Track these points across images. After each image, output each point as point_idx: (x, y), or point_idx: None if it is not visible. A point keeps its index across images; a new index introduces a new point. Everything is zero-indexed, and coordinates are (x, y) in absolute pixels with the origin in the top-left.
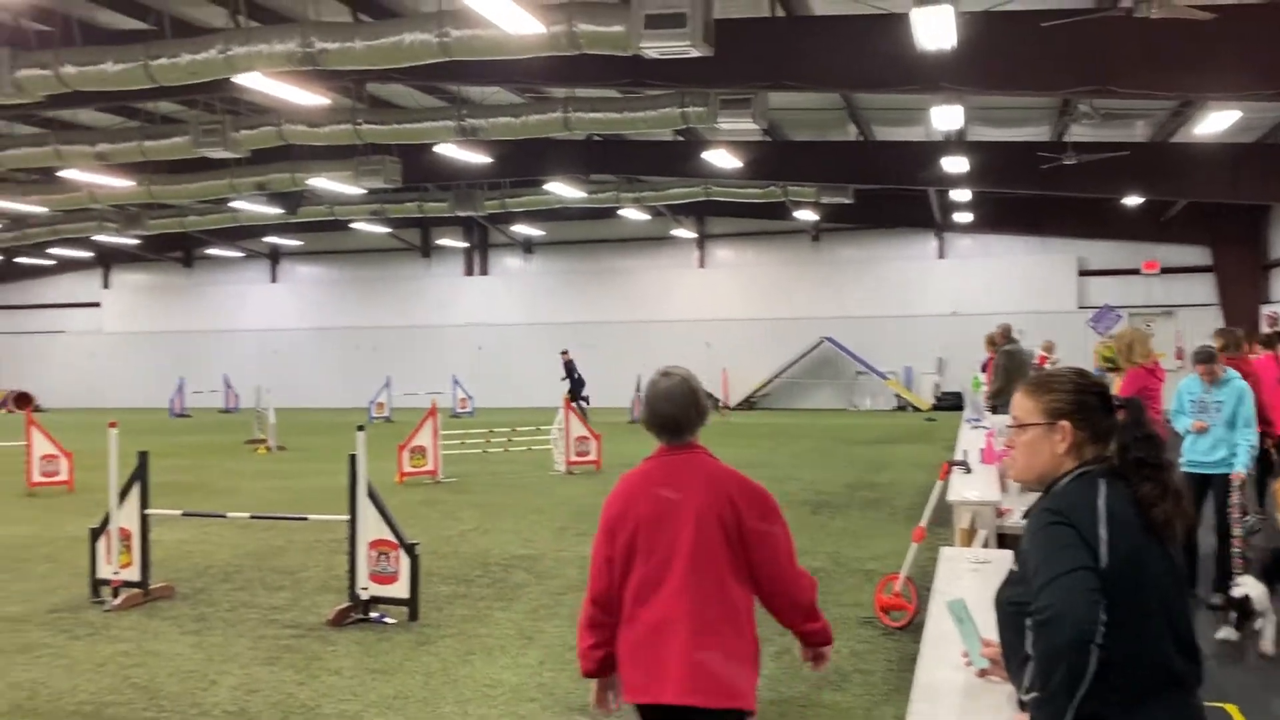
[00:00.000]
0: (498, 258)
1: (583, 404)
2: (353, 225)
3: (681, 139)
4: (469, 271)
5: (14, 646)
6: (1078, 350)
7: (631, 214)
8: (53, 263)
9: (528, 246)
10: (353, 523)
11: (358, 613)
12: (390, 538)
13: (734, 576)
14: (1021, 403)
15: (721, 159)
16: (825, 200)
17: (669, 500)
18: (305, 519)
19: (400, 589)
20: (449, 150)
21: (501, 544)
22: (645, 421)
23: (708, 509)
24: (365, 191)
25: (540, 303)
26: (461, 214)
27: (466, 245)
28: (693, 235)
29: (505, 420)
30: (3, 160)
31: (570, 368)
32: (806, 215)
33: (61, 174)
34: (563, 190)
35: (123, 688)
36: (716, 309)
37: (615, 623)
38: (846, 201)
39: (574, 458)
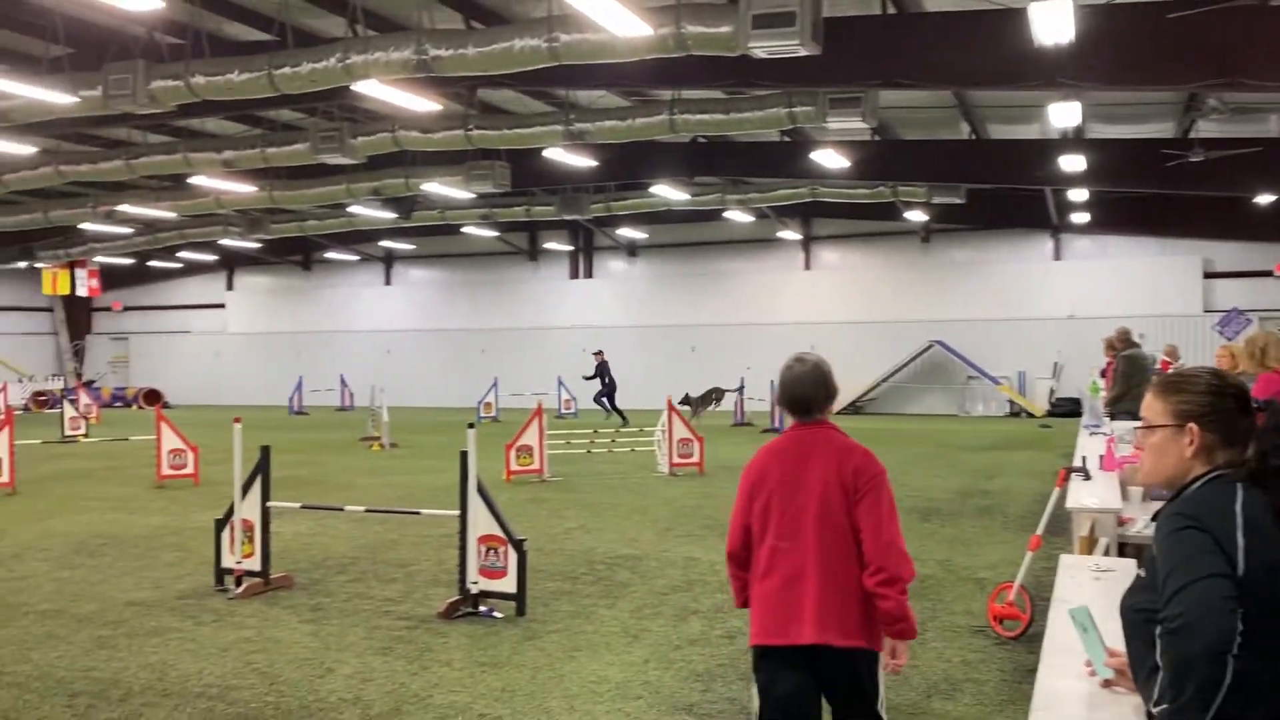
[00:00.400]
0: (602, 261)
1: (605, 407)
2: (463, 229)
3: (788, 139)
4: (574, 274)
5: (145, 630)
6: (1202, 355)
7: (736, 216)
8: (180, 266)
9: (632, 249)
10: (463, 518)
11: (467, 606)
12: (499, 533)
13: (855, 534)
14: (1151, 404)
15: (829, 159)
16: (936, 200)
17: (800, 466)
18: (418, 514)
19: (508, 584)
20: (556, 154)
21: (606, 543)
22: (781, 401)
23: (832, 474)
24: (475, 196)
25: (644, 305)
26: (568, 217)
27: (572, 248)
28: (798, 237)
29: (609, 421)
30: (136, 168)
31: (603, 370)
32: (916, 216)
33: (190, 180)
34: (667, 193)
35: (245, 672)
36: (822, 312)
37: (748, 576)
38: (958, 202)
39: (677, 459)
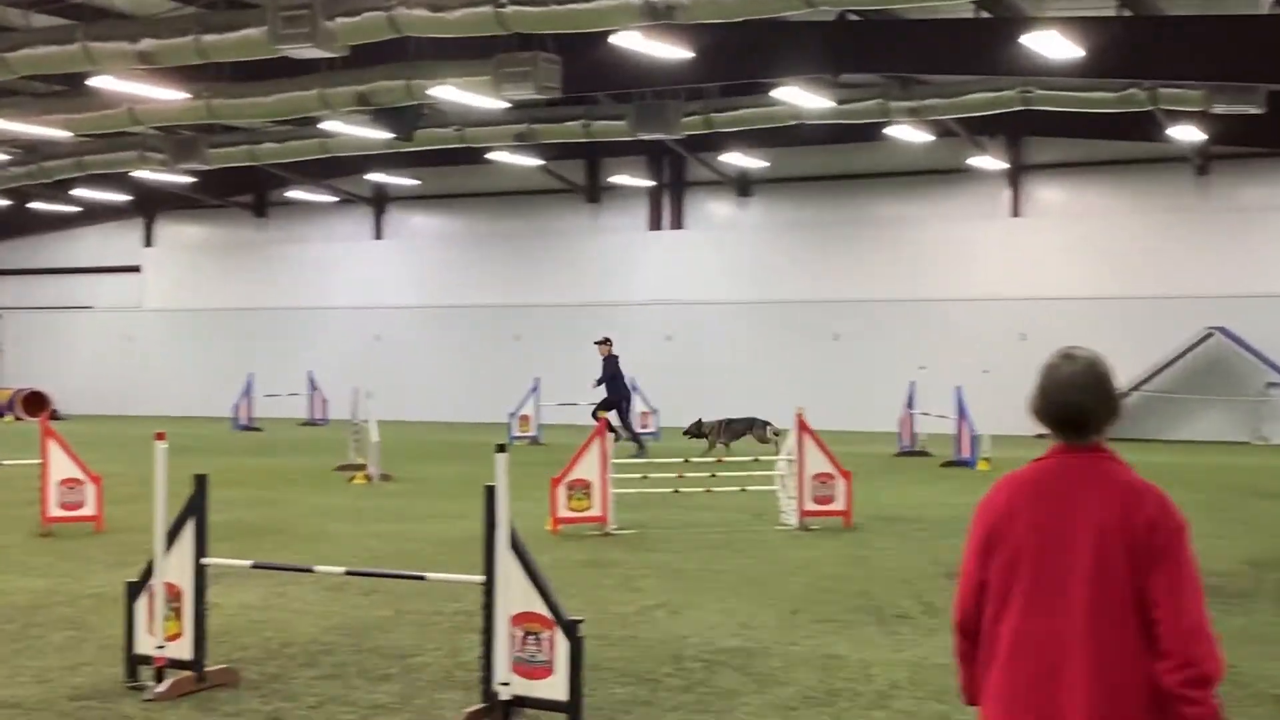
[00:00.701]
0: (697, 202)
1: (618, 424)
2: (490, 156)
3: (987, 16)
4: (655, 223)
5: None
6: None
7: (904, 134)
8: (77, 210)
9: (743, 186)
10: (489, 588)
11: (495, 719)
12: (543, 611)
13: (1143, 610)
14: None
15: (1051, 45)
16: (1218, 110)
17: (1064, 509)
18: (422, 579)
19: (556, 687)
20: (631, 41)
21: (702, 630)
22: (1040, 413)
23: (1113, 525)
24: (509, 106)
25: (760, 269)
26: (647, 137)
27: (653, 184)
28: (1001, 166)
29: (706, 446)
30: (13, 64)
31: (611, 366)
32: (1187, 135)
33: (91, 82)
34: (799, 98)
35: None
36: (1038, 280)
37: (984, 655)
38: (1253, 112)
39: (810, 506)
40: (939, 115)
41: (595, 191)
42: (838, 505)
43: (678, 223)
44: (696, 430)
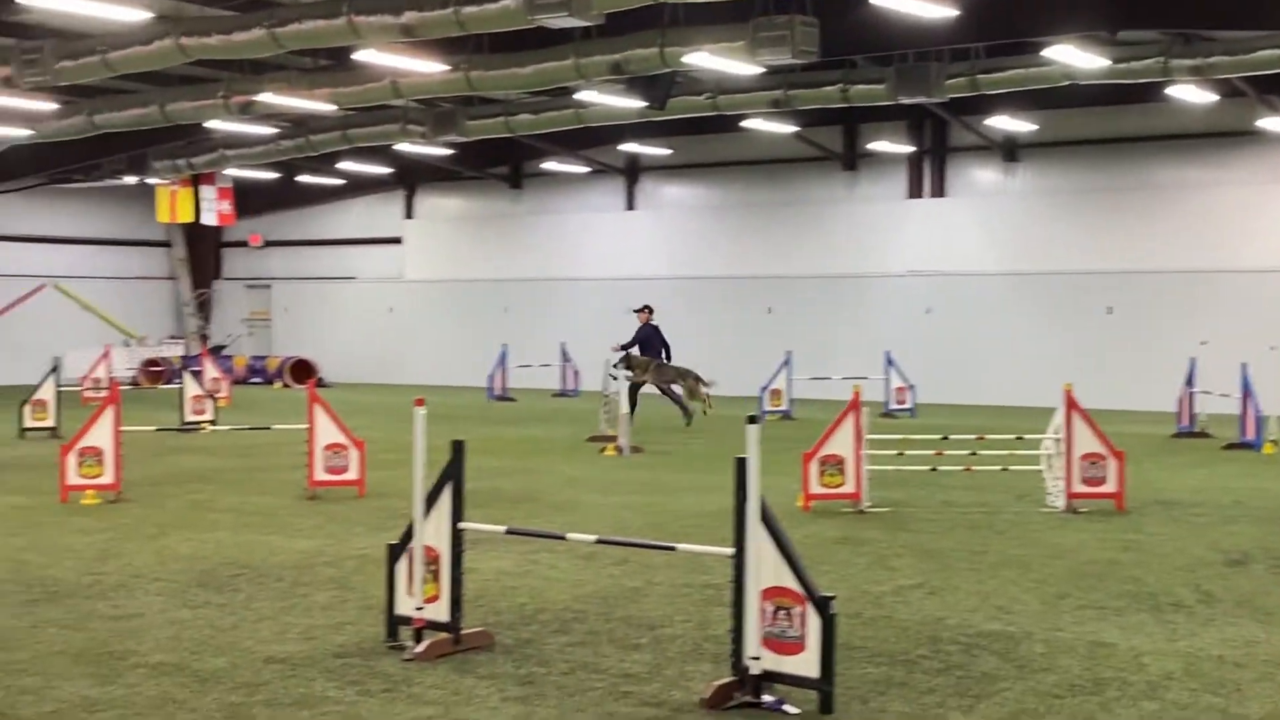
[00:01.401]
0: (961, 169)
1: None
2: (744, 124)
3: None
4: (916, 191)
5: (291, 698)
6: None
7: (1187, 94)
8: (342, 183)
9: (1010, 151)
10: (739, 560)
11: (745, 693)
12: (794, 586)
13: None
14: None
15: None
16: None
17: None
18: (672, 549)
19: (807, 664)
20: (891, 1)
21: (961, 612)
22: None
23: None
24: (764, 71)
25: (1027, 239)
26: (908, 101)
27: (913, 150)
28: None
29: (966, 423)
30: (283, 38)
31: (643, 333)
32: None
33: (356, 57)
34: (1073, 57)
35: None
36: None
37: None
38: None
39: (1079, 487)
40: (1224, 74)
41: (852, 159)
42: (1108, 487)
43: (939, 190)
44: (626, 363)
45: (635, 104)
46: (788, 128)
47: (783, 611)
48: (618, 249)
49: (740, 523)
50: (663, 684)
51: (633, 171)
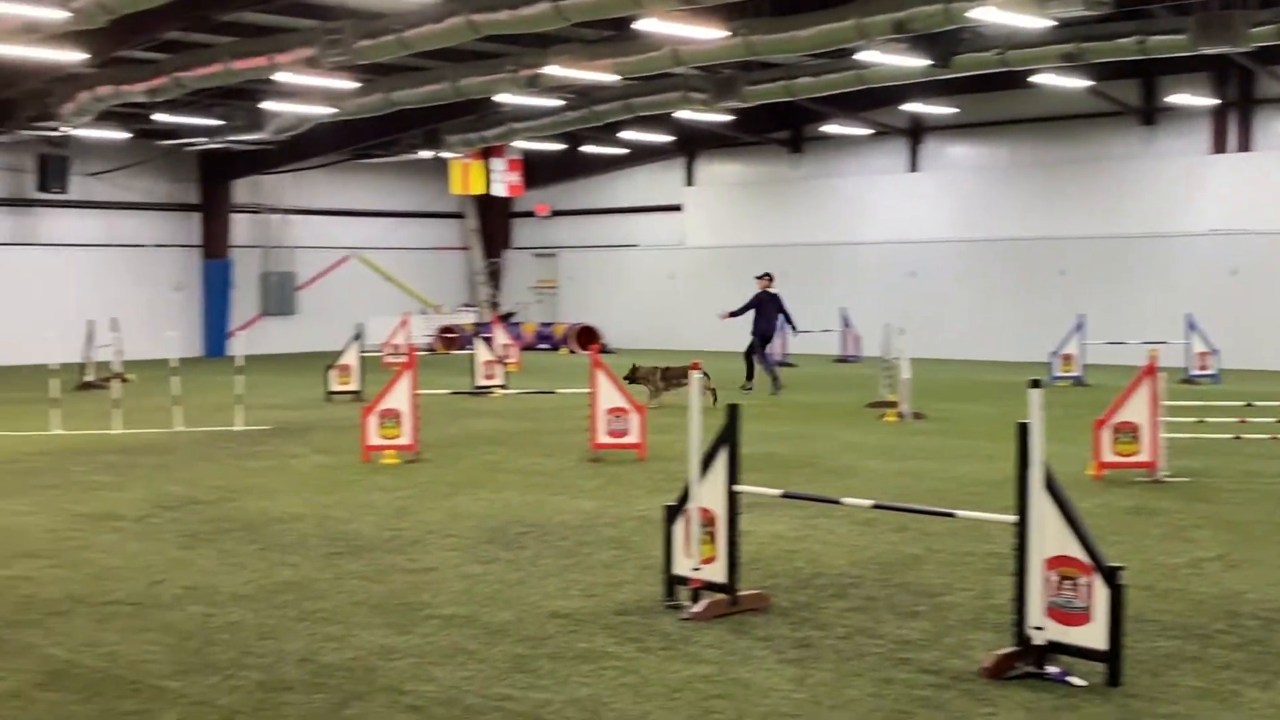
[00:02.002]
0: (1268, 122)
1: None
2: (1033, 80)
3: None
4: (1219, 145)
5: (573, 652)
6: None
7: None
8: (624, 153)
9: None
10: (1021, 528)
11: (1027, 663)
12: (1080, 556)
13: None
14: None
15: None
16: None
17: None
18: (951, 515)
19: (1093, 635)
20: None
21: (1262, 586)
22: None
23: None
24: (1054, 24)
25: None
26: (1209, 51)
27: (1216, 103)
28: None
29: (1275, 390)
30: (566, 11)
31: (757, 299)
32: None
33: (637, 25)
34: None
35: None
36: None
37: None
38: None
39: None
40: None
41: (1150, 113)
42: None
43: (1245, 144)
44: (632, 376)
45: (919, 63)
46: (1080, 82)
47: (1068, 581)
48: (900, 212)
49: (1023, 490)
50: (942, 652)
51: (916, 132)
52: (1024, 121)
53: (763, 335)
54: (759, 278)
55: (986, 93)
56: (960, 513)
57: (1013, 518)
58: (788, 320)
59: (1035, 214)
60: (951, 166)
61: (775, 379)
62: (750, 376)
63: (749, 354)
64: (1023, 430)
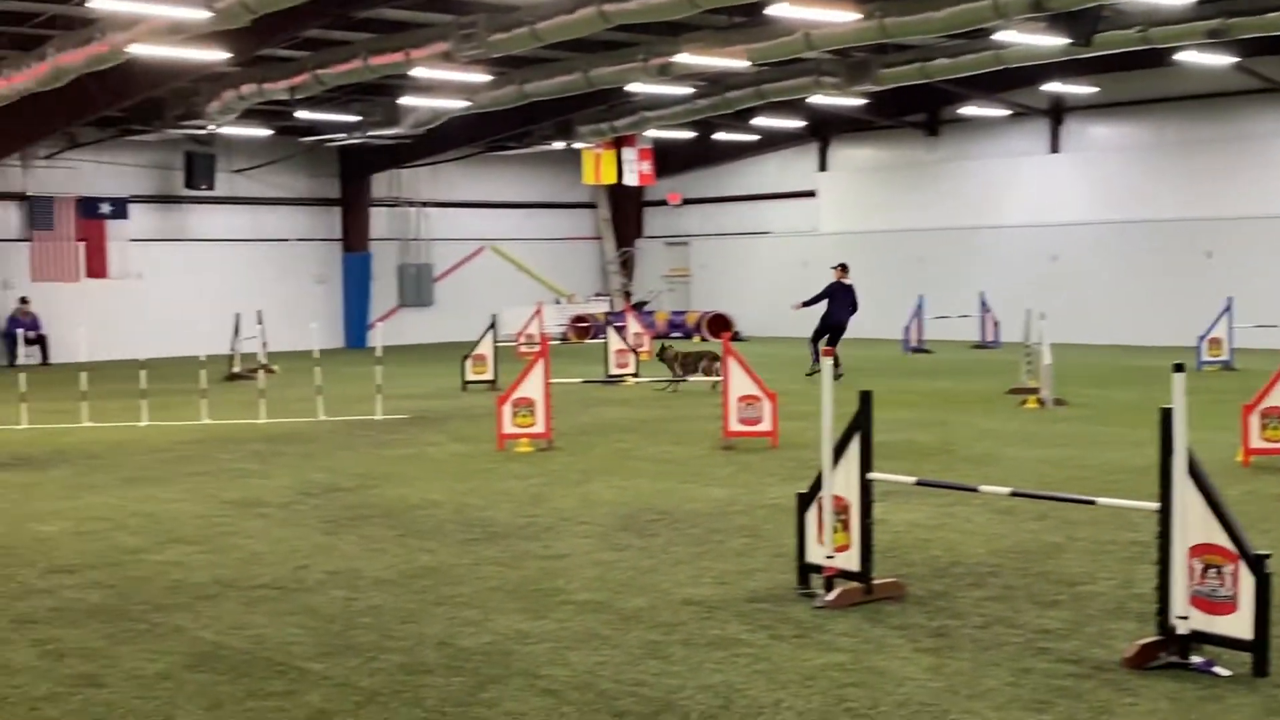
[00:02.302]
0: None
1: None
2: (1177, 57)
3: None
4: None
5: (705, 639)
6: None
7: None
8: (755, 139)
9: None
10: (1164, 516)
11: (1170, 653)
12: (1225, 544)
13: None
14: None
15: None
16: None
17: None
18: (1092, 503)
19: (1239, 624)
20: None
21: None
22: None
23: None
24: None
25: None
26: None
27: None
28: None
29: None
30: None
31: (829, 290)
32: None
33: (769, 11)
34: None
35: (836, 711)
36: None
37: None
38: None
39: None
40: None
41: None
42: None
43: None
44: (661, 355)
45: (1059, 41)
46: (1226, 59)
47: (1213, 570)
48: (1040, 194)
49: (1166, 476)
50: (1082, 641)
51: (1057, 113)
52: (1168, 100)
53: (835, 324)
54: (835, 268)
55: (1128, 71)
56: (1102, 500)
57: (1155, 505)
58: (854, 311)
59: (1180, 194)
60: (1093, 147)
61: (815, 358)
62: (815, 359)
63: (815, 336)
64: (1166, 415)
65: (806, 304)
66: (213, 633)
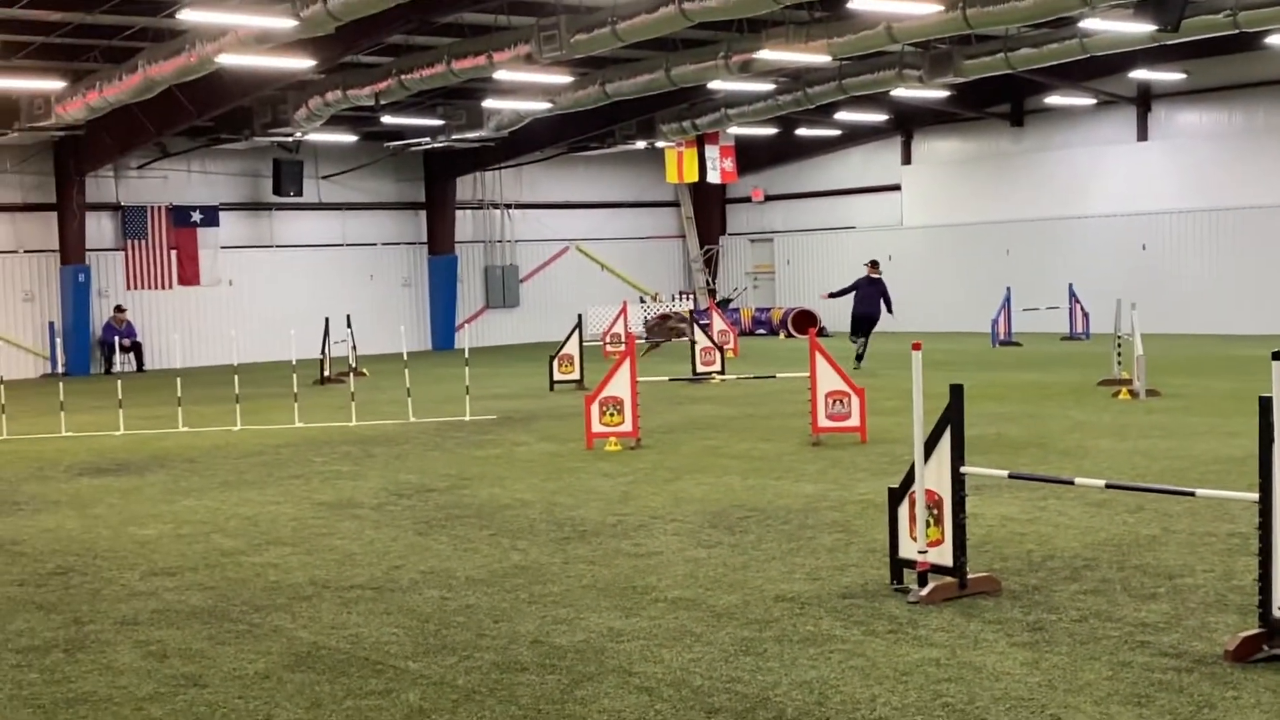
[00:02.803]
0: None
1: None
2: (1268, 41)
3: None
4: None
5: (799, 635)
6: None
7: None
8: (838, 134)
9: None
10: (1264, 506)
11: (1273, 646)
12: None
13: None
14: None
15: None
16: None
17: None
18: (1190, 495)
19: None
20: None
21: None
22: None
23: None
24: None
25: None
26: None
27: None
28: None
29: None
30: None
31: (858, 284)
32: None
33: (850, 5)
34: None
35: (933, 707)
36: None
37: None
38: None
39: None
40: None
41: None
42: None
43: None
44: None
45: (1145, 28)
46: None
47: None
48: (1129, 183)
49: (1265, 467)
50: (1182, 634)
51: (1144, 100)
52: (1259, 85)
53: (859, 315)
54: (868, 263)
55: (1218, 56)
56: (1200, 491)
57: (1255, 496)
58: (887, 305)
59: (1272, 180)
60: (1182, 134)
61: (860, 356)
62: (860, 355)
63: (854, 331)
64: (1264, 405)
65: (834, 295)
66: (311, 633)
